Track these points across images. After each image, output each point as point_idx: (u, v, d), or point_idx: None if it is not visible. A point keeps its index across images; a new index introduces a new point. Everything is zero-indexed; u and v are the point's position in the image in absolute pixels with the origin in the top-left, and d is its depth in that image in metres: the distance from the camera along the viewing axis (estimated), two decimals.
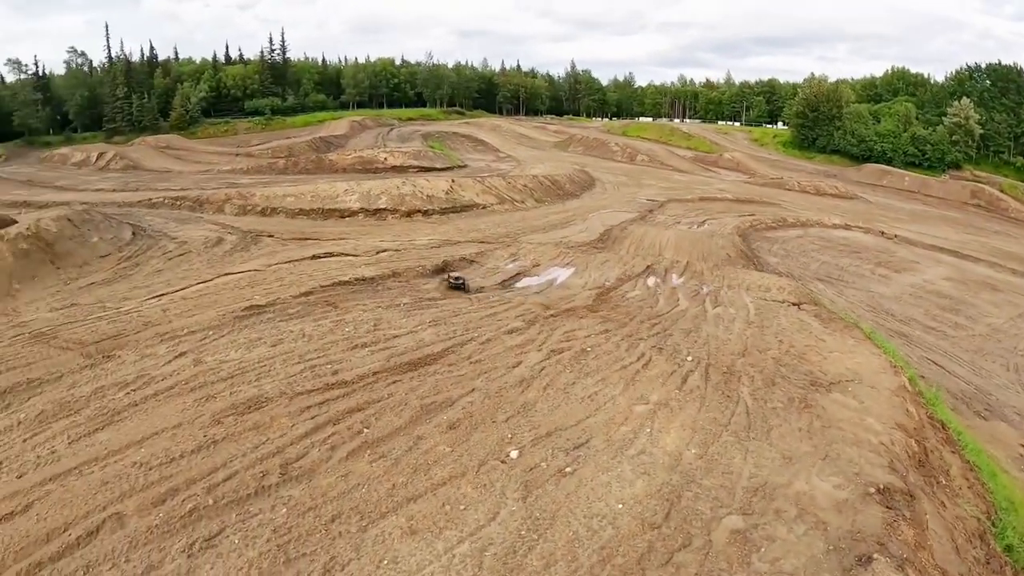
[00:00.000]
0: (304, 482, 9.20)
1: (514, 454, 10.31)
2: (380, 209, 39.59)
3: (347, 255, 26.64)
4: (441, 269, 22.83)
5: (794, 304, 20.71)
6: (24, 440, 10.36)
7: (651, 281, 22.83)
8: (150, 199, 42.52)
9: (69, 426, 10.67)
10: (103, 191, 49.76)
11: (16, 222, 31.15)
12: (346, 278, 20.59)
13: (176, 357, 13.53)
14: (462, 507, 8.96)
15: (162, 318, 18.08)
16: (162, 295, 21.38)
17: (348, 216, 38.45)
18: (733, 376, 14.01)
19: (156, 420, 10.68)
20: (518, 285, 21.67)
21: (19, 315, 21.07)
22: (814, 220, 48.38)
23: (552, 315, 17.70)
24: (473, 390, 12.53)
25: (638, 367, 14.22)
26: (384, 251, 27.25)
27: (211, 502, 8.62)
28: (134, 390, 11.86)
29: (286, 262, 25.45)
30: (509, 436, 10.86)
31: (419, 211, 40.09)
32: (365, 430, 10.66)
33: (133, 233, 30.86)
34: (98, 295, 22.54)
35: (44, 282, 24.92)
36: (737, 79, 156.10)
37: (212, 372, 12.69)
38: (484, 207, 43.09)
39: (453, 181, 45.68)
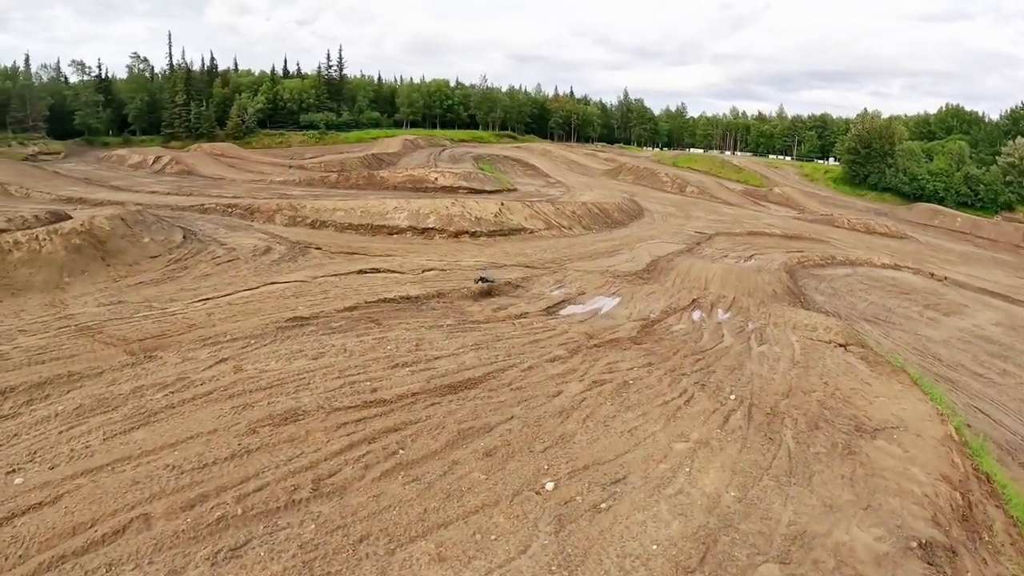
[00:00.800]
0: (335, 499, 8.98)
1: (550, 486, 9.96)
2: (428, 228, 39.66)
3: (393, 272, 26.80)
4: (487, 292, 22.66)
5: (840, 345, 20.18)
6: (60, 432, 10.38)
7: (696, 315, 22.45)
8: (202, 204, 43.12)
9: (105, 422, 10.65)
10: (157, 193, 50.87)
11: (71, 218, 31.86)
12: (391, 295, 20.55)
13: (217, 363, 13.53)
14: (493, 537, 8.65)
15: (206, 321, 18.36)
16: (208, 299, 21.65)
17: (396, 233, 38.59)
18: (776, 417, 13.58)
19: (192, 424, 10.61)
20: (563, 312, 21.41)
21: (67, 307, 21.42)
22: (863, 259, 47.27)
23: (595, 345, 17.39)
24: (512, 417, 12.23)
25: (680, 403, 13.85)
26: (430, 270, 27.38)
27: (240, 512, 8.44)
28: (173, 392, 11.84)
29: (332, 275, 25.71)
30: (546, 467, 10.52)
31: (467, 232, 40.05)
32: (400, 451, 10.43)
33: (184, 236, 31.36)
34: (145, 294, 22.81)
35: (94, 278, 25.28)
36: (790, 113, 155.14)
37: (251, 380, 12.63)
38: (532, 232, 42.89)
39: (502, 204, 45.53)
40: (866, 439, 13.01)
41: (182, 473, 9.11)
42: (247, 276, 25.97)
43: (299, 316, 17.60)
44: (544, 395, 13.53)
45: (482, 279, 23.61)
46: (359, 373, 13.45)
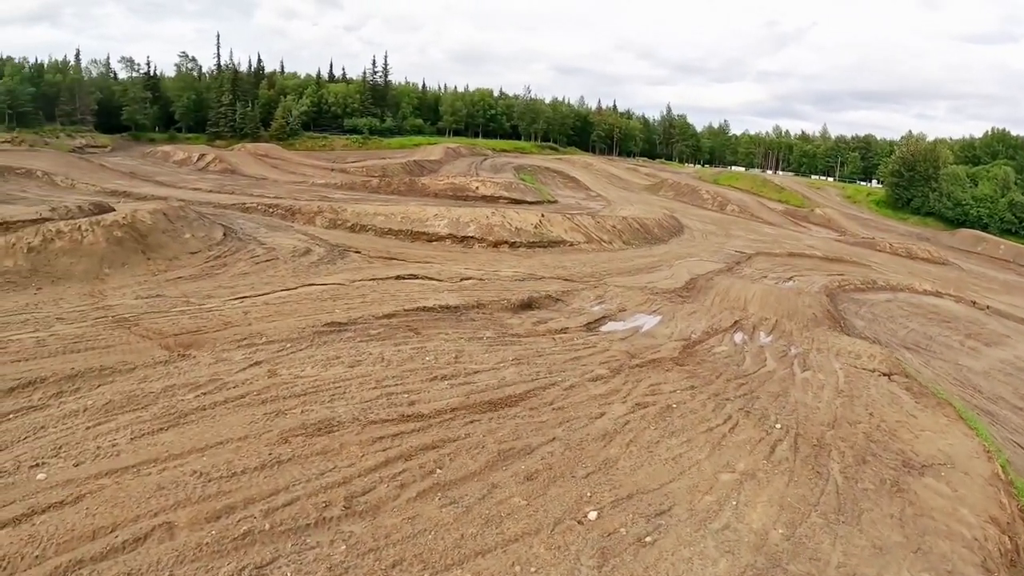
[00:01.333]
0: (368, 519, 8.48)
1: (592, 515, 9.39)
2: (468, 237, 39.31)
3: (431, 279, 26.62)
4: (527, 305, 22.22)
5: (885, 374, 19.49)
6: (87, 428, 10.09)
7: (738, 337, 21.85)
8: (244, 203, 43.21)
9: (134, 421, 10.33)
10: (200, 190, 51.20)
11: (114, 210, 32.14)
12: (430, 304, 20.17)
13: (251, 365, 13.18)
14: (533, 569, 8.09)
15: (242, 320, 18.24)
16: (245, 297, 21.62)
17: (435, 240, 38.26)
18: (823, 450, 13.01)
19: (222, 429, 10.23)
20: (603, 329, 20.88)
21: (105, 298, 21.54)
22: (904, 284, 45.77)
23: (638, 365, 16.83)
24: (554, 439, 11.67)
25: (725, 430, 13.30)
26: (468, 279, 27.12)
27: (267, 527, 7.97)
28: (204, 394, 11.50)
29: (370, 279, 25.62)
30: (588, 494, 9.94)
31: (506, 242, 39.60)
32: (438, 470, 9.91)
33: (224, 234, 31.37)
34: (183, 289, 22.83)
35: (133, 270, 25.37)
36: (833, 133, 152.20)
37: (286, 386, 12.25)
38: (571, 244, 42.31)
39: (543, 216, 45.03)
40: (914, 476, 12.46)
41: (209, 481, 8.69)
42: (285, 276, 25.87)
43: (337, 321, 17.26)
44: (586, 416, 12.98)
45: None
46: (396, 384, 13.02)
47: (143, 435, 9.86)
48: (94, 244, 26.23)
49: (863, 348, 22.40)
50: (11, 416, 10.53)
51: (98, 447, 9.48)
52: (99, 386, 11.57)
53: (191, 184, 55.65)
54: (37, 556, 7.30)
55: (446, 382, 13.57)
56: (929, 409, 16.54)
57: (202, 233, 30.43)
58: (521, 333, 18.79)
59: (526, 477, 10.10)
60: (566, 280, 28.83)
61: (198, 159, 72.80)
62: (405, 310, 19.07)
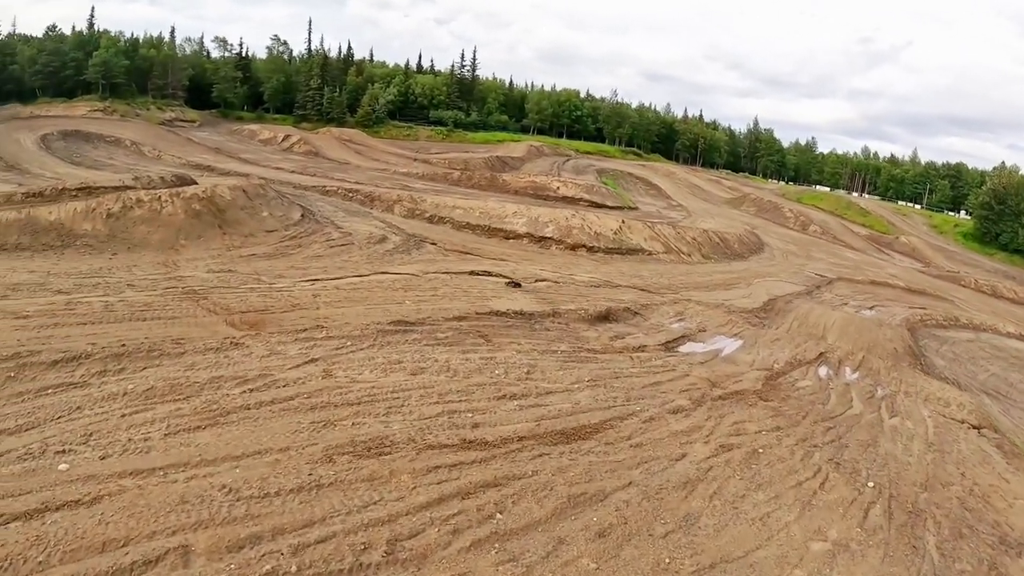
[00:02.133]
0: (411, 570, 7.30)
1: None
2: (545, 237, 38.37)
3: (505, 277, 25.89)
4: (605, 316, 21.04)
5: (974, 427, 18.08)
6: (123, 415, 9.34)
7: (823, 372, 20.41)
8: (324, 186, 43.19)
9: (172, 414, 9.52)
10: (283, 170, 51.58)
11: (196, 183, 32.36)
12: (502, 307, 19.13)
13: (306, 362, 12.24)
14: None
15: (310, 302, 17.91)
16: (316, 280, 21.29)
17: (512, 238, 37.45)
18: (918, 518, 11.71)
19: (263, 436, 9.29)
20: (682, 349, 19.83)
21: (177, 269, 21.60)
22: (987, 324, 42.51)
23: (720, 397, 15.55)
24: (630, 483, 10.36)
25: (815, 486, 11.98)
26: (542, 280, 26.35)
27: (294, 568, 6.89)
28: (252, 390, 10.61)
29: (443, 272, 25.08)
30: (667, 560, 8.58)
31: (584, 246, 38.56)
32: (498, 515, 8.67)
33: (302, 215, 31.14)
34: (256, 267, 22.68)
35: (208, 244, 25.40)
36: (923, 158, 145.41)
37: (339, 391, 11.26)
38: (650, 253, 40.92)
39: (623, 222, 43.73)
40: (1011, 556, 11.14)
41: (238, 500, 7.68)
42: (359, 262, 25.58)
43: (404, 320, 16.35)
44: (666, 457, 11.65)
45: (512, 283, 24.48)
46: (460, 400, 11.90)
47: (178, 431, 9.03)
48: (172, 215, 26.35)
49: (952, 395, 20.84)
50: (50, 391, 9.92)
51: (129, 439, 8.68)
52: (144, 368, 10.85)
53: (274, 163, 56.24)
54: (41, 562, 6.53)
55: (515, 402, 12.41)
56: (1021, 472, 15.19)
57: (280, 212, 30.25)
58: (598, 348, 17.64)
59: (598, 532, 8.75)
60: (642, 290, 27.75)
61: (283, 139, 73.76)
62: (477, 313, 18.05)
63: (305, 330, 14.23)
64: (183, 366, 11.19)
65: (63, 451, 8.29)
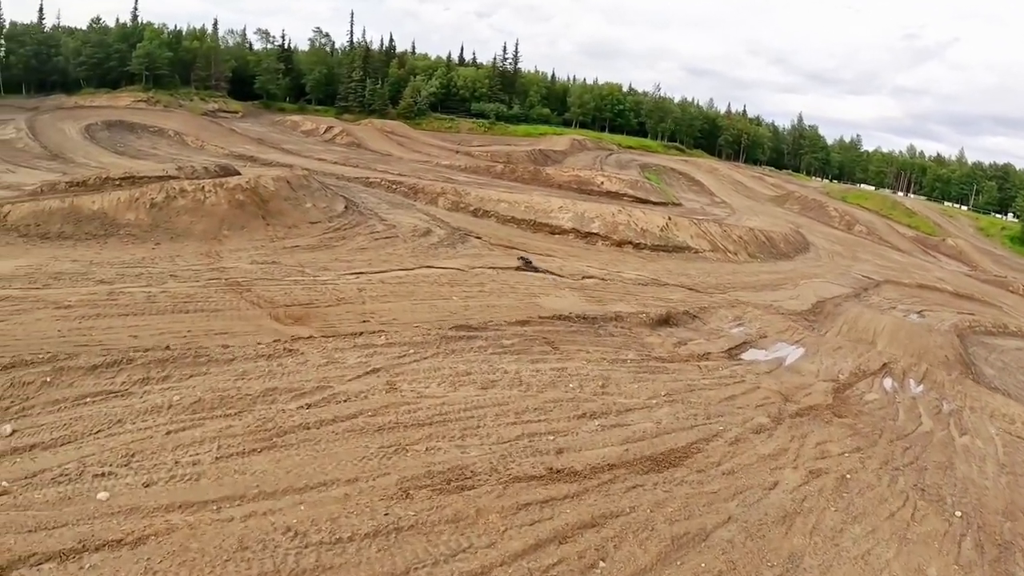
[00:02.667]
0: None
1: None
2: (591, 233, 37.23)
3: (551, 273, 25.37)
4: (665, 320, 20.27)
5: None
6: (168, 432, 8.45)
7: (888, 384, 19.73)
8: (368, 178, 42.43)
9: (223, 432, 8.56)
10: (325, 161, 50.92)
11: (239, 173, 31.75)
12: (565, 312, 18.29)
13: (367, 373, 11.22)
14: None
15: (356, 296, 17.62)
16: (361, 273, 20.86)
17: (558, 233, 36.42)
18: (1007, 552, 11.18)
19: (327, 463, 8.26)
20: (745, 356, 19.36)
21: (220, 259, 21.19)
22: None
23: (797, 413, 14.95)
24: (729, 519, 9.37)
25: (906, 517, 11.40)
26: (589, 277, 25.77)
27: None
28: (310, 405, 9.61)
29: (489, 267, 24.57)
30: None
31: (630, 242, 37.41)
32: (601, 563, 7.54)
33: (346, 206, 30.47)
34: (300, 259, 22.22)
35: (252, 235, 24.91)
36: (970, 158, 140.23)
37: (407, 408, 10.25)
38: (696, 251, 39.66)
39: (669, 218, 42.35)
40: None
41: (305, 547, 6.59)
42: (403, 256, 24.96)
43: (467, 325, 15.50)
44: (759, 486, 10.76)
45: (523, 259, 25.10)
46: (539, 420, 10.84)
47: (231, 454, 8.05)
48: (216, 205, 25.83)
49: (1016, 411, 20.18)
50: (89, 400, 9.08)
51: (176, 462, 7.74)
52: (190, 376, 9.91)
53: (317, 154, 55.60)
54: None
55: (596, 422, 11.38)
56: None
57: (323, 204, 29.59)
58: (664, 357, 16.87)
59: None
60: (690, 290, 27.02)
61: (325, 130, 73.12)
62: (540, 317, 17.18)
63: (362, 334, 13.30)
64: (233, 375, 10.26)
65: (103, 474, 7.42)
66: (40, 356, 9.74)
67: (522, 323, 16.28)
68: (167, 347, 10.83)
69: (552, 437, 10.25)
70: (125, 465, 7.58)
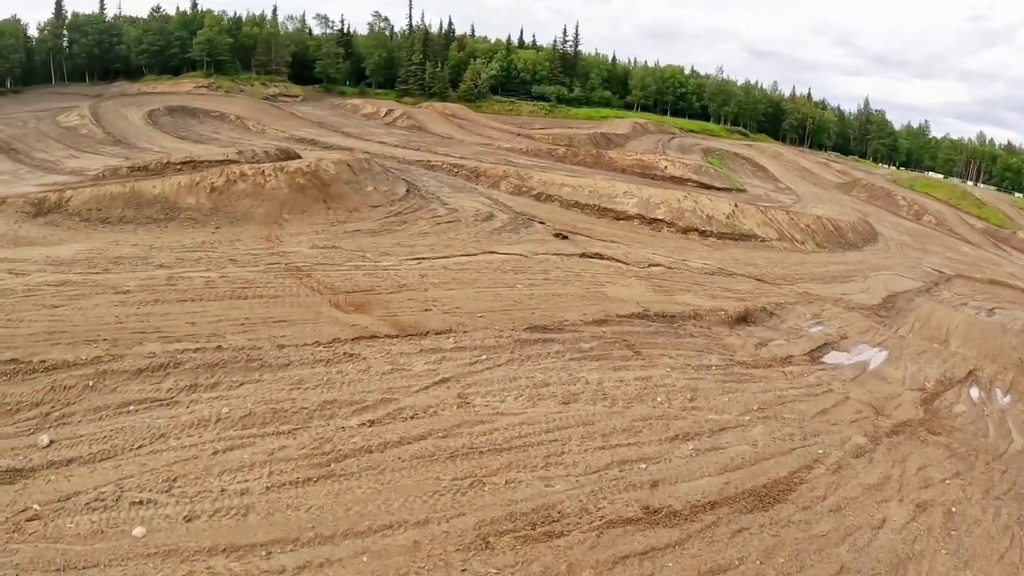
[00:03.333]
0: None
1: None
2: (656, 219, 35.89)
3: (617, 261, 24.53)
4: (743, 318, 19.32)
5: None
6: (215, 452, 7.62)
7: (975, 394, 18.58)
8: (429, 161, 41.67)
9: (275, 454, 7.68)
10: (386, 144, 50.37)
11: (299, 157, 31.37)
12: (638, 310, 17.35)
13: (436, 383, 10.19)
14: None
15: (418, 283, 17.30)
16: (423, 259, 20.48)
17: (623, 219, 35.20)
18: None
19: (394, 499, 7.26)
20: (827, 360, 18.47)
21: (280, 244, 20.85)
22: None
23: (892, 431, 13.97)
24: (842, 568, 8.25)
25: (1015, 559, 10.36)
26: (656, 266, 24.87)
27: None
28: (372, 423, 8.64)
29: (554, 254, 23.84)
30: None
31: (696, 230, 36.06)
32: None
33: (407, 190, 29.75)
34: (360, 243, 21.80)
35: (312, 219, 24.47)
36: None
37: (483, 429, 9.18)
38: (763, 240, 38.09)
39: (735, 205, 40.80)
40: None
41: None
42: (466, 241, 24.39)
43: (542, 326, 14.57)
44: (868, 525, 9.67)
45: (560, 234, 25.58)
46: (628, 443, 9.71)
47: (284, 483, 7.14)
48: (276, 189, 25.33)
49: None
50: (132, 409, 8.36)
51: (222, 490, 6.89)
52: (241, 384, 9.06)
53: (377, 137, 55.17)
54: None
55: (689, 445, 10.30)
56: None
57: (385, 187, 28.89)
58: (748, 361, 15.95)
59: None
60: (757, 280, 25.92)
61: (385, 114, 72.68)
62: (619, 316, 16.20)
63: (428, 334, 12.39)
64: (288, 383, 9.36)
65: (141, 501, 6.63)
66: (83, 358, 9.02)
67: (599, 323, 15.34)
68: (218, 347, 10.03)
69: (644, 465, 9.15)
70: (166, 491, 6.79)
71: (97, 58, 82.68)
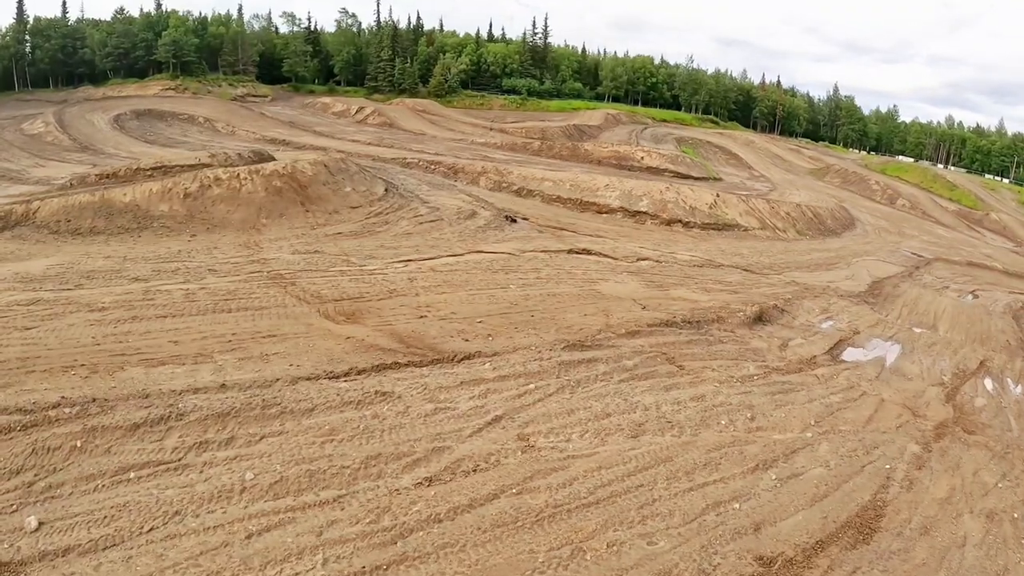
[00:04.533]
0: None
1: None
2: (640, 212, 36.03)
3: (605, 255, 24.76)
4: (759, 318, 19.49)
5: None
6: (248, 536, 6.56)
7: (989, 385, 18.77)
8: (404, 158, 41.04)
9: (325, 533, 6.62)
10: (359, 143, 49.60)
11: (274, 158, 30.57)
12: (664, 317, 17.38)
13: (489, 423, 9.28)
14: None
15: (408, 287, 16.97)
16: (409, 260, 20.31)
17: (605, 212, 35.16)
18: None
19: None
20: (847, 357, 18.77)
21: (261, 250, 20.41)
22: None
23: (936, 435, 13.86)
24: None
25: None
26: (644, 259, 25.11)
27: None
28: (430, 481, 7.65)
29: (541, 251, 23.86)
30: None
31: (680, 221, 36.18)
32: None
33: (386, 189, 29.22)
34: (343, 247, 21.43)
35: (291, 222, 23.99)
36: (1010, 129, 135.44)
37: (558, 478, 8.30)
38: (746, 230, 38.40)
39: (717, 195, 41.04)
40: None
41: None
42: (451, 240, 24.08)
43: (580, 343, 14.05)
44: (954, 544, 9.48)
45: (508, 217, 25.78)
46: (713, 479, 9.10)
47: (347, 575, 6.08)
48: (252, 193, 24.68)
49: None
50: (133, 475, 7.26)
51: None
52: (261, 438, 8.02)
53: (350, 136, 54.34)
54: None
55: (771, 473, 9.85)
56: None
57: (363, 187, 28.26)
58: (780, 367, 16.04)
59: None
60: (744, 271, 26.29)
61: (356, 111, 71.85)
62: (648, 327, 16.10)
63: (462, 360, 11.60)
64: (317, 434, 8.28)
65: None
66: (66, 413, 8.01)
67: (632, 334, 15.13)
68: (222, 385, 9.15)
69: (738, 505, 8.59)
70: None
71: (61, 63, 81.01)
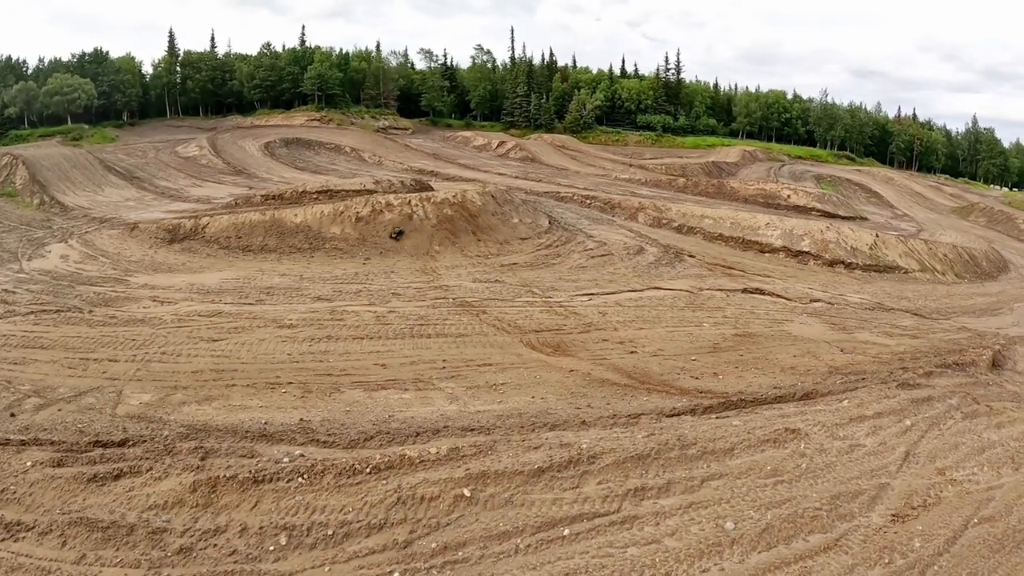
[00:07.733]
0: None
1: None
2: (802, 252, 34.43)
3: (779, 296, 23.54)
4: (994, 363, 17.62)
5: None
6: None
7: None
8: (558, 192, 40.76)
9: None
10: (506, 176, 49.80)
11: (431, 187, 30.83)
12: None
13: (903, 458, 8.36)
14: None
15: (602, 322, 16.51)
16: (592, 294, 19.71)
17: (768, 252, 33.72)
18: None
19: None
20: None
21: (439, 277, 20.28)
22: None
23: None
24: None
25: None
26: (817, 301, 23.94)
27: None
28: (899, 518, 6.97)
29: (717, 290, 22.90)
30: None
31: (842, 262, 34.41)
32: None
33: (549, 222, 28.95)
34: (522, 277, 21.12)
35: (463, 251, 23.93)
36: None
37: (991, 511, 7.50)
38: (906, 272, 36.34)
39: (877, 235, 38.88)
40: None
41: None
42: (627, 275, 23.39)
43: (904, 382, 13.16)
44: None
45: (398, 230, 24.68)
46: None
47: None
48: (424, 220, 24.70)
49: None
50: (565, 533, 6.39)
51: None
52: (702, 482, 7.30)
53: (494, 169, 54.71)
54: None
55: None
56: None
57: (529, 219, 28.01)
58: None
59: None
60: (915, 315, 24.76)
61: (497, 145, 72.58)
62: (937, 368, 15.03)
63: (816, 399, 10.65)
64: (759, 476, 7.53)
65: None
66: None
67: (928, 374, 14.12)
68: (475, 413, 8.49)
69: None
70: None
71: (210, 93, 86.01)
